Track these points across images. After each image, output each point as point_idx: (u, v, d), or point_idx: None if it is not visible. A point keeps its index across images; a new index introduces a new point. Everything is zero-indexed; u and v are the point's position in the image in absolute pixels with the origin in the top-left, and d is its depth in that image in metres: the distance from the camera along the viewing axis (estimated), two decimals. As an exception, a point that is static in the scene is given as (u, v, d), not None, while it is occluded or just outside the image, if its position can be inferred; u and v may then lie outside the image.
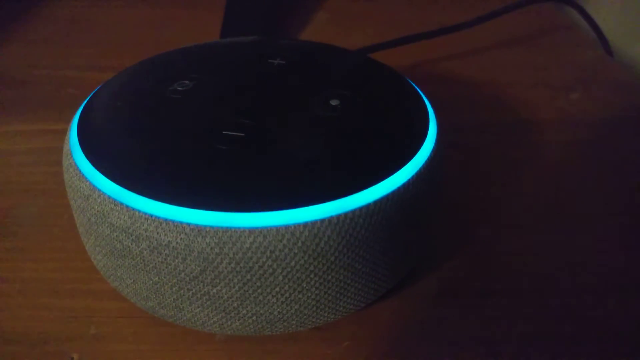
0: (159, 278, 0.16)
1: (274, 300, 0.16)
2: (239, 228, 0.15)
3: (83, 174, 0.17)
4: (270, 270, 0.16)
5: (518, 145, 0.32)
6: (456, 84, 0.38)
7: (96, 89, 0.21)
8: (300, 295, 0.17)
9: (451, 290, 0.23)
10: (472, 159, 0.31)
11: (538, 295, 0.23)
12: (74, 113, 0.21)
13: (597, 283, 0.23)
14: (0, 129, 0.32)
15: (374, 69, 0.23)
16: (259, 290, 0.16)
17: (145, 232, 0.16)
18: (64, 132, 0.20)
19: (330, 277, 0.17)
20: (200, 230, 0.15)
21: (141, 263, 0.16)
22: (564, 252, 0.25)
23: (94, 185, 0.17)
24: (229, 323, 0.17)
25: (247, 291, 0.16)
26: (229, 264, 0.16)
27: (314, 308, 0.17)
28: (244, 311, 0.17)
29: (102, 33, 0.44)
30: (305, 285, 0.16)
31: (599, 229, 0.26)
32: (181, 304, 0.17)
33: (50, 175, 0.28)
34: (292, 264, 0.16)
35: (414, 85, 0.22)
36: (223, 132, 0.18)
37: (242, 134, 0.18)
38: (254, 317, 0.17)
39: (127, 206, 0.16)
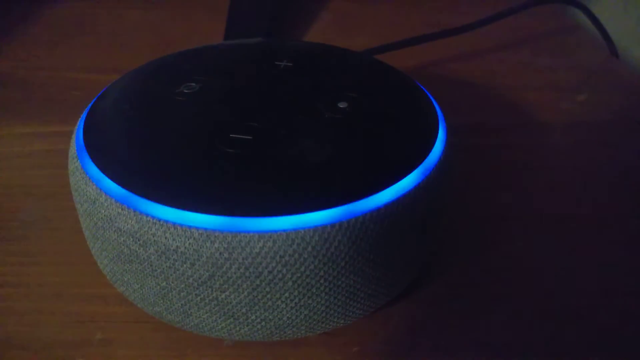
0: (166, 283, 0.16)
1: (284, 305, 0.16)
2: (248, 233, 0.15)
3: (89, 178, 0.17)
4: (280, 276, 0.15)
5: (525, 147, 0.32)
6: (462, 85, 0.38)
7: (101, 91, 0.21)
8: (309, 301, 0.16)
9: (459, 294, 0.23)
10: (480, 161, 0.30)
11: (546, 298, 0.22)
12: (77, 115, 0.20)
13: (603, 286, 0.23)
14: (4, 131, 0.32)
15: (381, 70, 0.23)
16: (268, 296, 0.16)
17: (153, 236, 0.16)
18: (68, 134, 0.20)
19: (340, 282, 0.16)
20: (209, 235, 0.15)
21: (149, 268, 0.16)
22: (571, 255, 0.24)
23: (100, 189, 0.17)
24: (238, 329, 0.17)
25: (256, 296, 0.16)
26: (238, 269, 0.15)
27: (324, 313, 0.17)
28: (253, 317, 0.16)
29: (106, 35, 0.44)
30: (315, 291, 0.16)
31: (607, 232, 0.26)
32: (189, 310, 0.17)
33: (54, 178, 0.28)
34: (302, 269, 0.16)
35: (422, 87, 0.22)
36: (231, 135, 0.18)
37: (250, 137, 0.18)
38: (263, 323, 0.17)
39: (134, 210, 0.16)
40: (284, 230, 0.15)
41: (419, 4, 0.50)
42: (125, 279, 0.17)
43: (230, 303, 0.16)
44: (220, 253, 0.15)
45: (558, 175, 0.30)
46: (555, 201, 0.28)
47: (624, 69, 0.41)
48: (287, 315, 0.17)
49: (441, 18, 0.44)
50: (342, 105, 0.19)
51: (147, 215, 0.16)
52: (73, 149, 0.19)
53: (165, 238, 0.15)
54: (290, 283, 0.16)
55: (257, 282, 0.16)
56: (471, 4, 0.49)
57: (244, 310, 0.16)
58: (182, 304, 0.17)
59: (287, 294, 0.16)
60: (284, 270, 0.15)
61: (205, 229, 0.15)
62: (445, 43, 0.39)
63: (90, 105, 0.20)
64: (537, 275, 0.23)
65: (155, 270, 0.16)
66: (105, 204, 0.16)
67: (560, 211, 0.27)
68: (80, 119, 0.20)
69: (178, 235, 0.15)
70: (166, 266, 0.16)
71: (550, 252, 0.25)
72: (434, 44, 0.38)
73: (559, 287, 0.23)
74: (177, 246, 0.15)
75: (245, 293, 0.16)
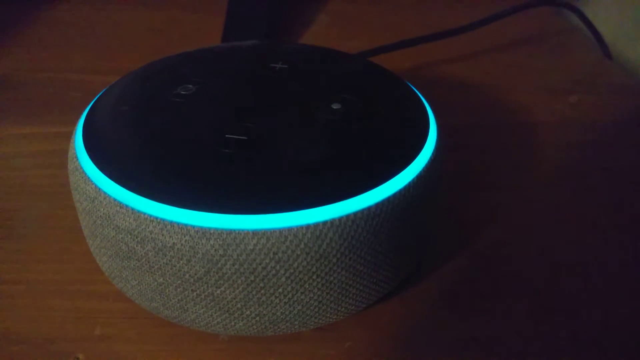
0: (163, 279, 0.17)
1: (277, 301, 0.17)
2: (242, 230, 0.15)
3: (89, 177, 0.17)
4: (274, 272, 0.16)
5: (518, 148, 0.32)
6: (455, 87, 0.39)
7: (100, 93, 0.22)
8: (302, 296, 0.17)
9: (451, 292, 0.23)
10: (472, 161, 0.31)
11: (538, 297, 0.23)
12: (76, 116, 0.21)
13: (597, 285, 0.23)
14: (4, 132, 0.32)
15: (375, 72, 0.23)
16: (263, 291, 0.16)
17: (151, 234, 0.16)
18: (67, 135, 0.21)
19: (332, 278, 0.17)
20: (204, 232, 0.16)
21: (146, 265, 0.17)
22: (563, 254, 0.25)
23: (99, 188, 0.17)
24: (233, 324, 0.17)
25: (251, 292, 0.16)
26: (233, 265, 0.16)
27: (317, 309, 0.17)
28: (248, 312, 0.17)
29: (104, 36, 0.45)
30: (307, 287, 0.17)
31: (599, 231, 0.26)
32: (185, 305, 0.17)
33: (53, 178, 0.28)
34: (295, 265, 0.16)
35: (414, 88, 0.23)
36: (226, 136, 0.18)
37: (245, 137, 0.18)
38: (258, 318, 0.17)
39: (132, 208, 0.16)
40: (277, 228, 0.16)
41: (414, 6, 0.51)
42: (124, 276, 0.18)
43: (226, 299, 0.17)
44: (215, 250, 0.16)
45: (551, 175, 0.30)
46: (549, 201, 0.28)
47: (616, 70, 0.42)
48: (281, 310, 0.17)
49: (435, 20, 0.45)
50: (335, 106, 0.20)
51: (144, 213, 0.16)
52: (73, 149, 0.19)
53: (162, 235, 0.16)
54: (283, 279, 0.16)
55: (252, 278, 0.16)
56: (465, 7, 0.49)
57: (238, 305, 0.17)
58: (178, 300, 0.17)
59: (280, 290, 0.16)
60: (277, 267, 0.16)
61: (201, 227, 0.16)
62: (440, 45, 0.39)
63: (89, 106, 0.21)
64: (532, 274, 0.24)
65: (153, 267, 0.17)
66: (104, 202, 0.17)
67: (555, 211, 0.27)
68: (79, 119, 0.20)
69: (175, 232, 0.16)
70: (163, 263, 0.16)
71: (545, 252, 0.25)
72: (429, 46, 0.38)
73: (554, 286, 0.23)
74: (173, 243, 0.16)
75: (240, 289, 0.16)
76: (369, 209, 0.16)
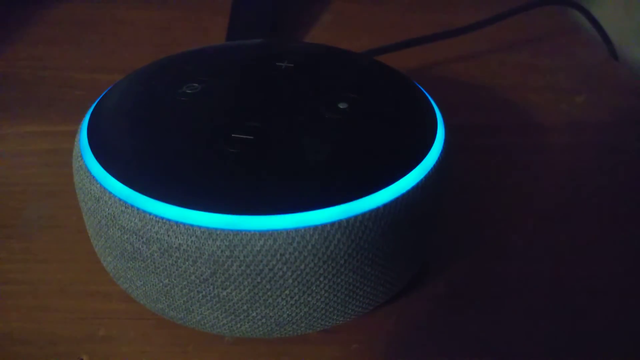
0: (169, 280, 0.17)
1: (284, 303, 0.17)
2: (249, 231, 0.15)
3: (93, 176, 0.17)
4: (280, 273, 0.16)
5: (523, 148, 0.32)
6: (462, 86, 0.38)
7: (105, 91, 0.21)
8: (309, 298, 0.17)
9: (458, 293, 0.23)
10: (479, 161, 0.31)
11: (545, 298, 0.23)
12: (81, 114, 0.21)
13: (600, 285, 0.23)
14: (8, 130, 0.32)
15: (381, 71, 0.23)
16: (269, 293, 0.16)
17: (156, 234, 0.16)
18: (71, 134, 0.20)
19: (339, 280, 0.17)
20: (211, 233, 0.15)
21: (151, 265, 0.16)
22: (568, 255, 0.25)
23: (104, 188, 0.17)
24: (239, 325, 0.17)
25: (257, 294, 0.16)
26: (239, 266, 0.16)
27: (323, 311, 0.17)
28: (254, 314, 0.17)
29: (109, 35, 0.45)
30: (314, 288, 0.16)
31: (607, 232, 0.26)
32: (191, 306, 0.17)
33: (58, 177, 0.28)
34: (302, 267, 0.16)
35: (421, 88, 0.22)
36: (232, 135, 0.18)
37: (252, 137, 0.18)
38: (264, 320, 0.17)
39: (137, 209, 0.16)
40: (285, 229, 0.15)
41: (419, 5, 0.50)
42: (129, 276, 0.18)
43: (232, 300, 0.16)
44: (222, 251, 0.15)
45: (557, 175, 0.30)
46: (554, 201, 0.28)
47: (622, 70, 0.41)
48: (287, 312, 0.17)
49: (441, 19, 0.45)
50: (342, 105, 0.20)
51: (150, 213, 0.16)
52: (77, 148, 0.19)
53: (168, 236, 0.16)
54: (290, 281, 0.16)
55: (258, 279, 0.16)
56: (471, 6, 0.49)
57: (244, 307, 0.17)
58: (184, 301, 0.17)
59: (287, 292, 0.16)
60: (284, 268, 0.16)
61: (208, 227, 0.15)
62: (446, 44, 0.39)
63: (94, 104, 0.21)
64: (536, 274, 0.24)
65: (158, 268, 0.16)
66: (109, 202, 0.17)
67: (559, 211, 0.27)
68: (84, 118, 0.20)
69: (180, 233, 0.16)
70: (169, 263, 0.16)
71: (550, 252, 0.25)
72: (435, 45, 0.38)
73: (558, 287, 0.23)
74: (179, 244, 0.16)
75: (246, 290, 0.16)
76: (377, 210, 0.16)
